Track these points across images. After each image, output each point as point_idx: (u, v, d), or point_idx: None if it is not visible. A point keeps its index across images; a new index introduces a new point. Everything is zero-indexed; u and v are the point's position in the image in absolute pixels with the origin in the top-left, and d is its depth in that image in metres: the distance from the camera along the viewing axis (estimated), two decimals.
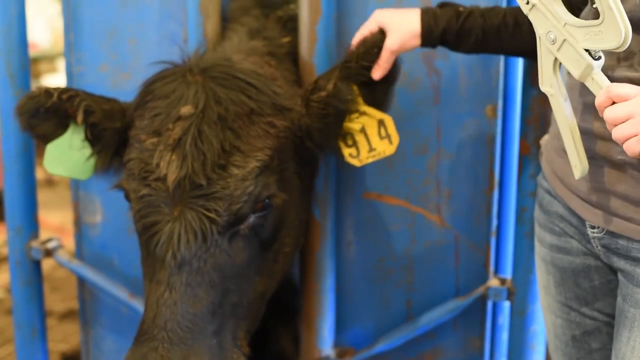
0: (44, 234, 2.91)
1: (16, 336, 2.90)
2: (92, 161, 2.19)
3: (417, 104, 2.38)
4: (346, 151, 2.14)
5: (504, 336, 2.60)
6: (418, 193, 2.46)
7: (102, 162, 2.19)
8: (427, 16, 2.02)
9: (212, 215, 1.89)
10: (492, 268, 2.50)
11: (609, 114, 1.53)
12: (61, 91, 2.12)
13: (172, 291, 1.88)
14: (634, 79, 1.61)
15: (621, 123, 1.51)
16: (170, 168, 1.90)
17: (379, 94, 2.12)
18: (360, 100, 2.10)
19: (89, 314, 2.92)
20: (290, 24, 2.45)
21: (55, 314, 4.74)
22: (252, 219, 1.97)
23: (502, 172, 2.52)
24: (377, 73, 2.06)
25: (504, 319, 2.59)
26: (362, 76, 2.07)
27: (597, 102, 1.55)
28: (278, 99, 2.05)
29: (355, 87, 2.09)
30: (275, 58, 2.34)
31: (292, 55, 2.39)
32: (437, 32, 2.02)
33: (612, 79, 1.60)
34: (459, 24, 2.00)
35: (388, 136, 2.10)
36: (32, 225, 2.83)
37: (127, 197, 2.04)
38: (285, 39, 2.43)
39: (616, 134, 1.52)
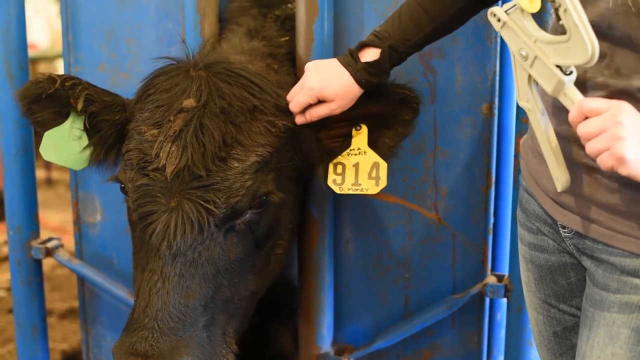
0: (44, 234, 2.92)
1: (17, 335, 2.91)
2: (88, 152, 2.21)
3: None
4: (331, 176, 2.17)
5: (501, 333, 2.61)
6: (415, 191, 2.48)
7: (98, 154, 2.21)
8: (360, 75, 2.02)
9: (210, 206, 1.90)
10: (489, 265, 2.52)
11: (581, 129, 1.53)
12: (64, 78, 2.13)
13: (165, 281, 1.88)
14: (599, 83, 1.63)
15: (594, 137, 1.52)
16: (169, 159, 1.91)
17: (385, 141, 2.14)
18: (364, 140, 2.12)
19: (89, 312, 2.93)
20: (288, 23, 2.47)
21: (55, 312, 4.75)
22: (248, 214, 1.99)
23: (499, 170, 2.54)
24: (301, 120, 2.09)
25: (502, 315, 2.61)
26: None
27: (570, 117, 1.56)
28: (280, 101, 2.07)
29: (365, 128, 2.12)
30: (276, 60, 2.36)
31: (291, 55, 2.41)
32: (376, 83, 2.06)
33: (580, 81, 1.61)
34: (389, 62, 2.04)
35: (377, 178, 2.13)
36: (32, 224, 2.84)
37: (123, 189, 2.04)
38: (283, 39, 2.45)
39: (589, 148, 1.53)
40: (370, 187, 2.14)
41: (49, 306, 4.30)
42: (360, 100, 2.07)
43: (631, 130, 1.49)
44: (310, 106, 2.06)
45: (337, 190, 2.16)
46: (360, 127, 2.13)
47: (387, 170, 2.13)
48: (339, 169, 2.16)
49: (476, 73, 2.38)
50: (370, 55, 2.03)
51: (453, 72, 2.38)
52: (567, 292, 1.91)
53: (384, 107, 2.11)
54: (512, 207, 2.40)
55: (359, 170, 2.14)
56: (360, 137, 2.13)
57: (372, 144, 2.13)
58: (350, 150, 2.14)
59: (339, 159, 2.15)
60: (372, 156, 2.13)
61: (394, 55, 2.03)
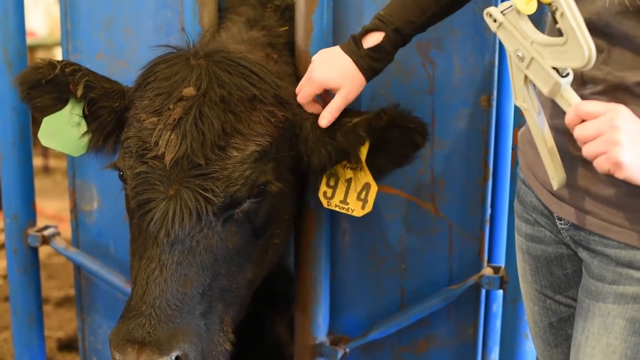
0: (40, 222, 2.92)
1: (13, 323, 2.92)
2: (86, 139, 2.20)
3: (411, 94, 2.40)
4: (323, 187, 2.18)
5: (497, 324, 2.62)
6: (412, 182, 2.48)
7: (96, 141, 2.20)
8: (363, 62, 2.03)
9: (209, 195, 1.90)
10: (485, 257, 2.52)
11: (578, 132, 1.53)
12: (64, 64, 2.12)
13: (163, 269, 1.88)
14: (595, 78, 1.63)
15: (591, 141, 1.52)
16: (168, 147, 1.92)
17: (381, 163, 2.13)
18: (363, 156, 2.11)
19: (85, 300, 2.93)
20: (287, 13, 2.47)
21: (51, 300, 4.75)
22: (247, 203, 1.99)
23: (496, 162, 2.54)
24: (325, 122, 2.08)
25: (497, 307, 2.61)
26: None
27: (567, 120, 1.56)
28: (280, 91, 2.07)
29: (367, 142, 2.09)
30: (275, 50, 2.36)
31: (290, 45, 2.40)
32: (380, 69, 2.06)
33: (577, 75, 1.61)
34: (393, 46, 2.04)
35: (365, 201, 2.14)
36: (29, 212, 2.85)
37: (122, 177, 2.04)
38: (283, 28, 2.45)
39: (586, 152, 1.53)
40: (357, 208, 2.15)
41: (45, 294, 4.31)
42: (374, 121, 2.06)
43: (628, 134, 1.49)
44: (326, 105, 2.07)
45: (324, 204, 2.18)
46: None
47: (375, 195, 2.13)
48: (332, 181, 2.16)
49: (475, 65, 2.37)
50: (373, 40, 2.03)
51: (451, 64, 2.38)
52: (563, 283, 1.92)
53: (393, 132, 2.09)
54: (509, 199, 2.40)
55: (350, 188, 2.15)
56: (361, 150, 2.13)
57: (369, 163, 2.12)
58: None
59: (334, 170, 2.14)
60: (366, 175, 2.12)
61: (398, 38, 2.03)
